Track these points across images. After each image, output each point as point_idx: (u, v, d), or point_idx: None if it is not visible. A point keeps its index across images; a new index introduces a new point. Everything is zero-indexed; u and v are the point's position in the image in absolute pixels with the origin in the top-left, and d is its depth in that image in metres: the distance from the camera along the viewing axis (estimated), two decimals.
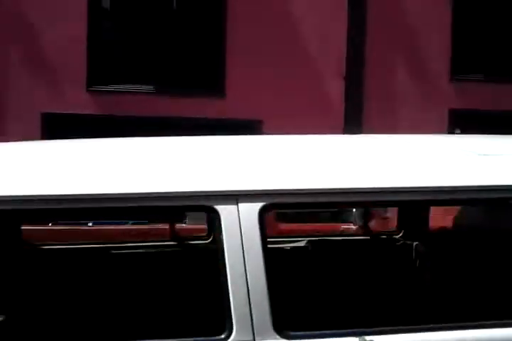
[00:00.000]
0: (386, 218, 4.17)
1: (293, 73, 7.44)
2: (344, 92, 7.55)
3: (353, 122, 7.55)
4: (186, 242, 2.33)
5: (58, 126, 7.14)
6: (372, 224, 4.10)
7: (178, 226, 4.27)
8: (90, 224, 4.95)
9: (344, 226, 4.09)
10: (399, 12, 7.62)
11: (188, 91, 7.30)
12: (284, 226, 4.03)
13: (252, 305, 1.20)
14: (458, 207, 2.19)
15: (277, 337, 1.19)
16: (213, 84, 7.43)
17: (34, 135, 6.91)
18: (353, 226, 4.05)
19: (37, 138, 6.92)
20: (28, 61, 6.95)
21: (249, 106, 7.35)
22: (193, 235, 2.54)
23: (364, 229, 3.95)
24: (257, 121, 7.39)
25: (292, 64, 7.44)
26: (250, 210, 1.25)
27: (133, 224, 4.96)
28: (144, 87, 7.24)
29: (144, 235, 3.93)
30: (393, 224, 3.06)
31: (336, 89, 7.56)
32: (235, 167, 1.36)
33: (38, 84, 6.96)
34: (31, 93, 6.94)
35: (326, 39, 7.48)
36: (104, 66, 7.24)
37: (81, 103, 7.03)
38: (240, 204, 1.25)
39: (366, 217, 4.07)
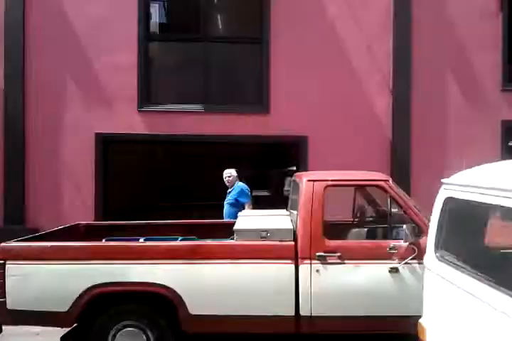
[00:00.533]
0: None
1: (338, 88, 7.45)
2: (392, 106, 7.47)
3: (402, 136, 7.44)
4: None
5: (111, 146, 7.45)
6: (424, 240, 4.01)
7: (226, 242, 4.37)
8: (141, 240, 5.07)
9: (394, 243, 4.00)
10: (446, 24, 7.51)
11: (234, 109, 7.44)
12: (332, 243, 3.99)
13: None
14: None
15: None
16: (258, 100, 7.54)
17: (88, 154, 7.26)
18: (402, 243, 3.96)
19: (91, 157, 7.25)
20: (84, 85, 7.33)
21: (294, 121, 7.40)
22: None
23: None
24: (302, 136, 7.41)
25: (337, 79, 7.46)
26: None
27: (182, 240, 5.05)
28: (192, 107, 7.44)
29: (192, 252, 4.00)
30: None
31: (383, 103, 7.49)
32: None
33: (92, 107, 7.31)
34: (87, 115, 7.29)
35: (372, 54, 7.46)
36: (154, 88, 7.52)
37: (133, 123, 7.31)
38: None
39: (417, 233, 3.99)
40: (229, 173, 6.62)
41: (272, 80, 7.44)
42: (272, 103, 7.44)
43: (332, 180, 4.20)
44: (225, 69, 7.72)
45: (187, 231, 5.62)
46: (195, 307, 3.92)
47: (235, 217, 5.93)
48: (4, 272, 4.02)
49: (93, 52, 7.31)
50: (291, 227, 4.10)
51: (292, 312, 3.89)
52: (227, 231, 5.07)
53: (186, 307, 3.91)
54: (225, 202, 6.58)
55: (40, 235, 5.01)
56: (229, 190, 6.61)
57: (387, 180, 4.22)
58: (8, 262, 4.03)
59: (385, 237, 4.16)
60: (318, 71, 7.46)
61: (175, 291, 3.89)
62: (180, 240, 5.02)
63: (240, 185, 6.63)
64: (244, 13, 8.02)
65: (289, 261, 3.90)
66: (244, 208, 6.43)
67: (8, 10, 7.21)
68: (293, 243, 3.96)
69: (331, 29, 7.48)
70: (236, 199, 6.46)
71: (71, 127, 7.28)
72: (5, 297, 4.02)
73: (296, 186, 4.76)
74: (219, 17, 8.14)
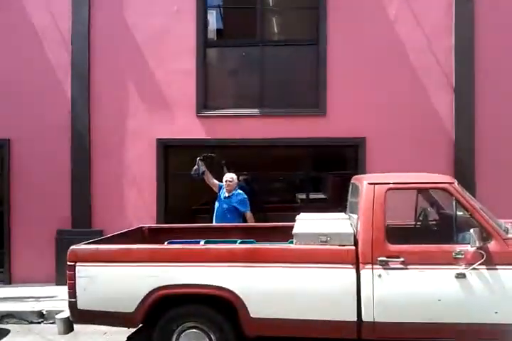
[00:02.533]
0: (508, 239, 3.88)
1: (396, 88, 7.27)
2: (454, 105, 7.19)
3: (465, 136, 7.15)
4: None
5: (171, 150, 7.65)
6: (492, 245, 3.85)
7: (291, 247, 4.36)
8: (202, 242, 5.17)
9: (460, 247, 3.86)
10: (509, 20, 7.15)
11: (291, 112, 7.43)
12: (394, 247, 3.91)
13: None
14: None
15: None
16: (315, 103, 7.49)
17: (150, 159, 7.49)
18: (469, 248, 3.81)
19: (153, 161, 7.49)
20: (145, 92, 7.56)
21: (351, 123, 7.29)
22: None
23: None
24: (360, 138, 7.29)
25: (396, 78, 7.28)
26: None
27: (241, 243, 5.10)
28: (249, 111, 7.50)
29: (252, 255, 4.03)
30: None
31: (444, 102, 7.23)
32: None
33: (153, 113, 7.54)
34: (148, 121, 7.53)
35: (433, 52, 7.22)
36: (211, 93, 7.65)
37: (191, 128, 7.47)
38: None
39: (484, 237, 3.83)
40: (231, 178, 6.51)
41: (328, 82, 7.37)
42: (328, 105, 7.36)
43: (394, 183, 4.10)
44: (281, 73, 7.72)
45: (245, 234, 5.69)
46: (256, 310, 3.95)
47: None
48: (74, 273, 4.22)
49: (154, 60, 7.53)
50: (352, 231, 4.05)
51: (354, 318, 3.84)
52: (285, 234, 5.08)
53: (247, 310, 3.95)
54: (219, 207, 6.46)
55: (107, 238, 5.23)
56: (226, 195, 6.47)
57: (453, 183, 4.08)
58: (78, 264, 4.23)
59: (451, 242, 4.01)
60: (376, 71, 7.31)
61: (236, 294, 3.94)
62: (239, 243, 5.08)
63: (240, 192, 6.53)
64: (299, 15, 8.00)
65: (350, 266, 3.86)
66: (243, 217, 6.38)
67: (75, 23, 7.58)
68: (354, 247, 3.91)
69: (389, 28, 7.31)
70: (235, 207, 6.36)
71: (134, 133, 7.54)
72: (76, 297, 4.23)
73: (355, 189, 4.69)
74: (274, 20, 8.17)
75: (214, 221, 6.53)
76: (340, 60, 7.36)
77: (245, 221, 6.41)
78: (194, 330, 4.13)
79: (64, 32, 7.61)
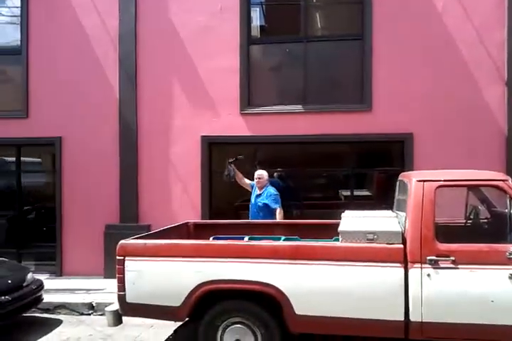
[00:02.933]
0: None
1: (444, 81, 7.05)
2: (507, 99, 6.91)
3: None
4: None
5: (215, 147, 7.73)
6: None
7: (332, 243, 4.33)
8: (246, 238, 5.20)
9: None
10: None
11: (335, 108, 7.34)
12: (444, 246, 3.80)
13: None
14: None
15: None
16: (360, 98, 7.38)
17: (195, 156, 7.60)
18: None
19: (197, 158, 7.59)
20: (190, 90, 7.66)
21: (398, 118, 7.13)
22: None
23: None
24: (407, 134, 7.12)
25: (443, 72, 7.07)
26: None
27: (285, 240, 5.10)
28: (293, 107, 7.46)
29: (298, 252, 4.02)
30: None
31: (496, 95, 6.95)
32: None
33: (198, 110, 7.63)
34: (193, 118, 7.63)
35: (484, 44, 6.95)
36: (255, 90, 7.66)
37: (235, 125, 7.51)
38: None
39: None
40: (260, 175, 6.46)
41: (373, 77, 7.24)
42: (374, 100, 7.23)
43: (444, 180, 3.99)
44: (325, 68, 7.64)
45: (288, 231, 5.68)
46: (301, 307, 3.94)
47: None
48: (123, 267, 4.33)
49: (198, 58, 7.62)
50: (400, 230, 3.97)
51: (402, 317, 3.76)
52: (329, 231, 5.05)
53: (292, 307, 3.94)
54: (253, 205, 6.45)
55: (154, 233, 5.34)
56: (258, 193, 6.45)
57: (507, 180, 3.92)
58: (126, 258, 4.34)
59: (504, 241, 3.86)
60: (423, 65, 7.11)
61: (281, 291, 3.94)
62: (283, 240, 5.08)
63: (271, 189, 6.47)
64: (343, 10, 7.89)
65: (398, 265, 3.78)
66: (274, 214, 6.30)
67: (122, 22, 7.77)
68: (402, 246, 3.83)
69: (437, 21, 7.09)
70: (266, 204, 6.32)
71: (179, 130, 7.66)
72: (124, 291, 4.34)
73: (403, 186, 4.59)
74: (318, 16, 8.09)
75: (250, 219, 6.53)
76: (386, 55, 7.21)
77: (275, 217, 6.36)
78: (239, 326, 4.17)
79: (112, 31, 7.82)
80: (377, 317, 3.81)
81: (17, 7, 8.31)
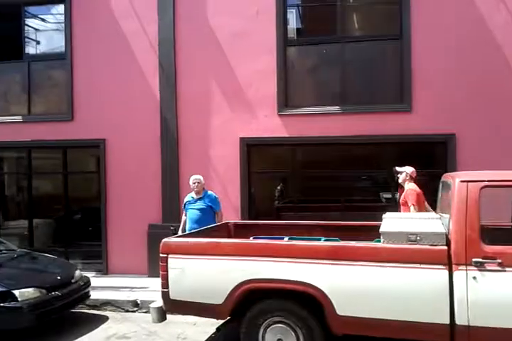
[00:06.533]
0: None
1: (488, 79, 6.90)
2: None
3: None
4: None
5: (254, 149, 7.80)
6: None
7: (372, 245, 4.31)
8: (286, 239, 5.23)
9: None
10: None
11: (373, 109, 7.29)
12: (490, 248, 3.72)
13: None
14: None
15: None
16: (399, 98, 7.30)
17: (234, 157, 7.69)
18: None
19: (236, 160, 7.67)
20: (228, 92, 7.77)
21: (439, 118, 7.02)
22: None
23: None
24: (449, 134, 7.00)
25: (488, 70, 6.91)
26: None
27: (325, 241, 5.10)
28: (331, 108, 7.45)
29: (340, 253, 4.03)
30: None
31: None
32: None
33: (236, 112, 7.73)
34: (231, 120, 7.73)
35: None
36: (292, 91, 7.69)
37: (273, 127, 7.57)
38: None
39: None
40: (198, 179, 6.48)
41: (413, 76, 7.15)
42: (414, 100, 7.15)
43: (489, 181, 3.90)
44: (363, 69, 7.60)
45: (328, 232, 5.67)
46: (342, 307, 3.94)
47: (207, 224, 5.89)
48: (167, 265, 4.44)
49: (235, 60, 7.72)
50: (444, 231, 3.91)
51: (447, 321, 3.71)
52: (369, 233, 5.02)
53: (334, 308, 3.94)
54: (191, 209, 6.40)
55: (195, 232, 5.46)
56: (198, 197, 6.43)
57: None
58: (170, 256, 4.45)
59: None
60: (465, 64, 6.98)
61: (322, 291, 3.96)
62: (323, 241, 5.08)
63: (211, 192, 6.56)
64: (380, 10, 7.82)
65: (442, 267, 3.73)
66: (215, 216, 6.39)
67: (161, 27, 7.96)
68: (446, 248, 3.78)
69: (478, 19, 6.95)
70: (210, 207, 6.36)
71: (218, 132, 7.78)
72: (168, 287, 4.45)
73: (446, 187, 4.52)
74: (355, 16, 8.05)
75: (190, 223, 6.37)
76: (425, 54, 7.12)
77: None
78: (280, 325, 4.20)
79: (151, 36, 8.02)
80: (420, 320, 3.76)
81: (61, 14, 8.66)
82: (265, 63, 7.58)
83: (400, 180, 6.17)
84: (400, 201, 6.04)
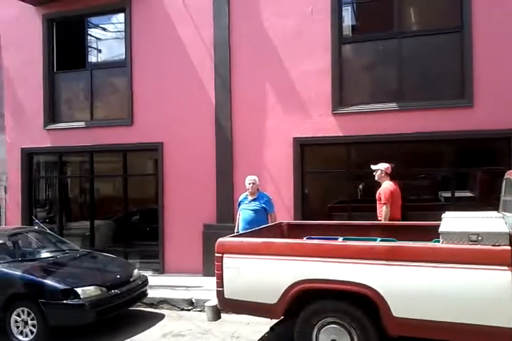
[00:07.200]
0: None
1: None
2: None
3: None
4: None
5: (307, 148, 7.74)
6: None
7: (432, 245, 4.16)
8: (340, 239, 5.16)
9: None
10: None
11: (432, 105, 7.03)
12: None
13: None
14: None
15: None
16: (459, 94, 7.00)
17: (287, 158, 7.67)
18: None
19: (290, 160, 7.65)
20: (282, 92, 7.76)
21: (502, 114, 6.66)
22: None
23: None
24: (508, 130, 6.63)
25: None
26: None
27: (381, 241, 4.97)
28: (387, 106, 7.26)
29: (397, 253, 3.91)
30: None
31: None
32: None
33: (290, 112, 7.70)
34: (285, 120, 7.71)
35: None
36: (347, 90, 7.57)
37: (327, 126, 7.48)
38: None
39: None
40: (253, 180, 6.51)
41: (474, 70, 6.83)
42: (475, 95, 6.83)
43: None
44: (420, 64, 7.35)
45: (384, 233, 5.54)
46: (399, 309, 3.83)
47: (260, 225, 5.87)
48: (222, 264, 4.50)
49: (290, 60, 7.70)
50: (508, 231, 3.71)
51: (510, 324, 3.51)
52: (426, 233, 4.86)
53: (389, 309, 3.84)
54: (245, 209, 6.45)
55: (249, 232, 5.49)
56: (252, 198, 6.48)
57: None
58: (225, 255, 4.50)
59: None
60: None
61: (378, 292, 3.87)
62: (379, 241, 4.95)
63: (265, 193, 6.60)
64: (439, 2, 7.54)
65: (505, 268, 3.54)
66: (268, 217, 6.42)
67: (216, 31, 8.09)
68: (510, 248, 3.58)
69: None
70: (264, 208, 6.39)
71: (272, 132, 7.79)
72: (223, 286, 4.51)
73: (510, 185, 4.28)
74: (411, 10, 7.81)
75: (243, 224, 6.47)
76: (487, 47, 6.78)
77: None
78: (334, 326, 4.14)
79: (207, 40, 8.16)
80: (481, 323, 3.59)
81: (121, 23, 9.01)
82: (320, 62, 7.51)
83: (376, 178, 6.53)
84: (376, 196, 6.39)
